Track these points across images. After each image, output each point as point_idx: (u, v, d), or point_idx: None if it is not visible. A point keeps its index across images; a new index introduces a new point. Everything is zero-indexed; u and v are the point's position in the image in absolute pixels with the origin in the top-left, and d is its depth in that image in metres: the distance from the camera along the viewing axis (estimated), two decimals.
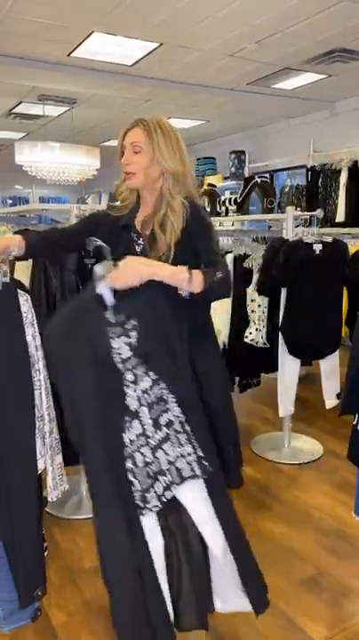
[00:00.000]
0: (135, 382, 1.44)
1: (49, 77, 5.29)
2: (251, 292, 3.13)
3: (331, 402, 3.17)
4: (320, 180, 5.79)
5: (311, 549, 2.32)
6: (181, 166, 1.62)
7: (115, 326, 1.42)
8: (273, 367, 3.15)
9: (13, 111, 6.76)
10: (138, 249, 1.64)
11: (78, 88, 5.76)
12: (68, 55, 4.73)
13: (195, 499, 1.48)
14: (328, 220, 5.50)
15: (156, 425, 1.44)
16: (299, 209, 5.19)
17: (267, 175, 7.19)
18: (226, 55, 4.78)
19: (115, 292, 1.42)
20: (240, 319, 3.16)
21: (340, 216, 5.44)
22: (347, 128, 6.29)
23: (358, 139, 5.86)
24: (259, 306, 3.11)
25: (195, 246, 1.58)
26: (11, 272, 3.10)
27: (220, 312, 3.20)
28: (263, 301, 3.11)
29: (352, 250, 3.26)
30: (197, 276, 1.46)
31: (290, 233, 3.08)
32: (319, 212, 3.39)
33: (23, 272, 2.76)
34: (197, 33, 4.25)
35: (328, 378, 3.16)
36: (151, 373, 1.45)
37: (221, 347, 3.22)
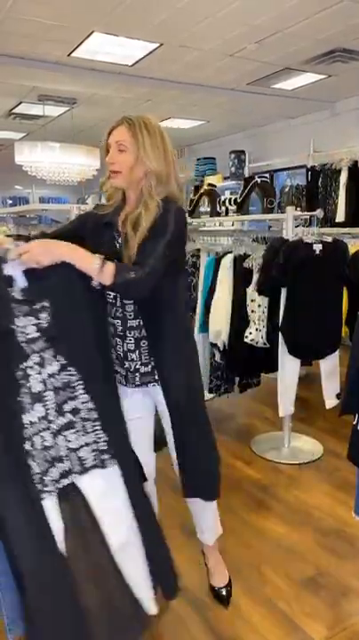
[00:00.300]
0: (42, 365, 1.40)
1: (49, 77, 5.29)
2: (251, 291, 3.13)
3: (330, 402, 3.17)
4: (320, 179, 5.79)
5: (311, 549, 2.32)
6: (165, 167, 1.61)
7: (21, 304, 1.37)
8: (273, 367, 3.15)
9: (13, 111, 6.76)
10: (117, 247, 1.63)
11: (78, 88, 5.76)
12: (68, 55, 4.73)
13: (98, 488, 1.45)
14: (328, 220, 5.50)
15: (60, 410, 1.42)
16: (299, 209, 5.19)
17: (267, 175, 7.19)
18: (226, 55, 4.78)
19: (29, 275, 1.39)
20: (240, 319, 3.16)
21: (340, 216, 5.44)
22: (347, 128, 6.29)
23: (358, 139, 5.86)
24: (259, 306, 3.11)
25: None
26: None
27: (220, 312, 3.20)
28: (263, 301, 3.11)
29: (352, 250, 3.26)
30: (109, 267, 1.43)
31: (290, 233, 3.08)
32: (319, 212, 3.39)
33: None
34: (197, 33, 4.25)
35: (328, 378, 3.16)
36: (60, 358, 1.42)
37: (221, 347, 3.23)
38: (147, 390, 1.75)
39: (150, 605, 1.54)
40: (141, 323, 1.65)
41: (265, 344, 3.11)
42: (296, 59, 4.89)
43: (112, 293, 1.63)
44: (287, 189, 6.51)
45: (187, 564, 2.16)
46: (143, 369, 1.70)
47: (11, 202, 11.33)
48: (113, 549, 1.46)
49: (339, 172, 5.54)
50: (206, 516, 1.94)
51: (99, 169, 6.98)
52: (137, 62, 4.92)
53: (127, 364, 1.69)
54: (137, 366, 1.69)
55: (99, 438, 1.46)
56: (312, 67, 5.11)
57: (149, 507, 1.56)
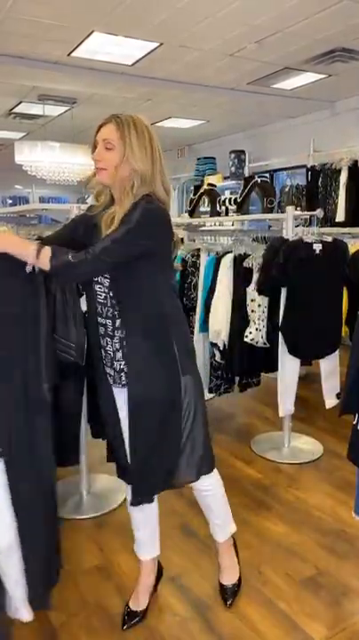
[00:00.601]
0: None
1: (49, 77, 5.29)
2: (251, 291, 3.13)
3: (330, 402, 3.17)
4: (320, 179, 5.79)
5: (311, 549, 2.32)
6: (151, 167, 1.59)
7: None
8: (273, 367, 3.15)
9: (13, 111, 6.76)
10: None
11: (78, 88, 5.76)
12: (68, 55, 4.73)
13: None
14: (328, 220, 5.50)
15: None
16: (298, 209, 5.19)
17: (267, 175, 7.20)
18: (226, 55, 4.78)
19: None
20: (240, 319, 3.15)
21: (340, 216, 5.44)
22: (347, 128, 6.29)
23: (358, 138, 5.86)
24: (259, 306, 3.11)
25: None
26: None
27: (220, 312, 3.20)
28: (263, 301, 3.11)
29: (352, 250, 3.26)
30: (45, 251, 1.47)
31: (290, 233, 3.08)
32: (319, 212, 3.39)
33: None
34: (197, 33, 4.25)
35: (328, 378, 3.16)
36: None
37: (221, 346, 3.23)
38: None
39: (23, 614, 1.55)
40: (122, 323, 1.66)
41: (265, 344, 3.11)
42: (296, 58, 4.89)
43: (103, 293, 1.63)
44: (287, 189, 6.52)
45: (187, 564, 2.16)
46: (127, 368, 1.70)
47: (11, 201, 11.34)
48: None
49: (339, 171, 5.54)
50: (214, 514, 1.95)
51: None
52: (137, 62, 4.92)
53: (115, 364, 1.70)
54: (122, 366, 1.69)
55: None
56: (312, 66, 5.11)
57: (37, 516, 1.54)
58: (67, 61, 4.90)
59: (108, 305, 1.66)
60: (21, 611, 1.57)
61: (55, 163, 6.43)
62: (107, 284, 1.64)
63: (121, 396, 1.73)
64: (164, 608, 1.93)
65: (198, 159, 8.22)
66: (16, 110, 6.72)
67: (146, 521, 1.89)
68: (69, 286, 2.27)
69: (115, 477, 2.91)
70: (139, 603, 1.91)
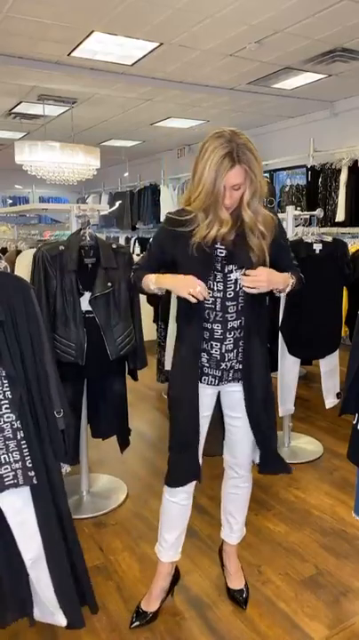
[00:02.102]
0: None
1: (49, 77, 5.30)
2: None
3: (330, 401, 3.17)
4: (320, 179, 5.79)
5: (311, 549, 2.32)
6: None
7: None
8: (273, 367, 3.14)
9: (13, 111, 6.76)
10: (222, 253, 1.67)
11: (78, 88, 5.76)
12: (68, 55, 4.73)
13: (15, 506, 1.49)
14: (328, 220, 5.51)
15: None
16: (299, 208, 5.19)
17: (267, 175, 7.20)
18: (226, 55, 4.78)
19: None
20: None
21: (340, 215, 5.44)
22: (347, 127, 6.29)
23: (358, 138, 5.86)
24: None
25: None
26: (12, 272, 3.10)
27: None
28: None
29: (352, 249, 3.26)
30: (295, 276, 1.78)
31: (290, 232, 3.08)
32: (319, 212, 3.38)
33: (23, 272, 2.76)
34: (197, 33, 4.25)
35: (328, 377, 3.16)
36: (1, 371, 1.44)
37: None
38: (224, 387, 1.79)
39: (59, 619, 1.61)
40: (242, 323, 1.71)
41: None
42: (295, 58, 4.89)
43: (211, 298, 1.68)
44: (287, 189, 6.52)
45: (187, 564, 2.16)
46: (237, 366, 1.75)
47: (11, 201, 11.33)
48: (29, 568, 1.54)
49: (338, 171, 5.55)
50: (240, 512, 2.01)
51: (99, 168, 6.98)
52: (137, 62, 4.92)
53: (224, 365, 1.74)
54: (233, 364, 1.75)
55: (22, 458, 1.47)
56: (311, 66, 5.11)
57: (60, 530, 1.58)
58: (67, 61, 4.90)
59: (217, 309, 1.72)
60: (57, 616, 1.61)
61: (55, 163, 6.43)
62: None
63: (209, 392, 1.80)
64: (165, 608, 1.94)
65: None
66: (16, 110, 6.72)
67: (180, 520, 1.90)
68: (69, 286, 2.28)
69: (115, 477, 2.94)
70: (150, 604, 1.91)
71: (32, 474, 1.47)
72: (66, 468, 1.68)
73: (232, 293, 1.69)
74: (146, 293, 1.82)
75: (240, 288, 1.66)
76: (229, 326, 1.70)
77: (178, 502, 1.84)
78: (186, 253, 1.63)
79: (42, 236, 4.32)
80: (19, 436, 1.47)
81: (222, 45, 4.54)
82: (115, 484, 2.89)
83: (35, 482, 1.48)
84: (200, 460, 1.80)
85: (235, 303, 1.69)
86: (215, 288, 1.68)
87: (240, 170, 1.54)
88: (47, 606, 1.60)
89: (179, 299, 1.70)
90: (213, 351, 1.72)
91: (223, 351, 1.72)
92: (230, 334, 1.71)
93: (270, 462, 1.91)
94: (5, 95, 6.06)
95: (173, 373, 1.81)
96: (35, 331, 1.50)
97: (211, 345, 1.72)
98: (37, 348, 1.51)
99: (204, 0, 3.67)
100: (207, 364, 1.74)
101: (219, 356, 1.73)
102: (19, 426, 1.47)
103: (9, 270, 1.61)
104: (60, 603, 1.58)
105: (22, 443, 1.47)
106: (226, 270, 1.67)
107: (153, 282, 1.70)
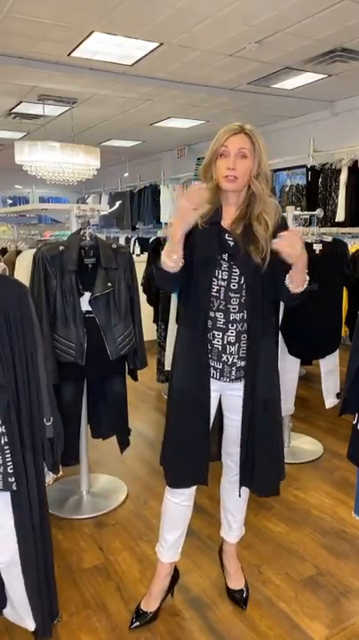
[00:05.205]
0: None
1: (49, 77, 5.30)
2: None
3: (330, 401, 3.17)
4: (320, 179, 5.79)
5: (311, 549, 2.32)
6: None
7: None
8: None
9: (13, 111, 6.76)
10: (231, 244, 1.69)
11: (78, 88, 5.76)
12: (68, 55, 4.73)
13: None
14: (328, 220, 5.50)
15: None
16: (299, 208, 5.18)
17: None
18: (226, 55, 4.78)
19: None
20: None
21: (340, 215, 5.44)
22: (347, 127, 6.29)
23: (358, 138, 5.86)
24: None
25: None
26: (12, 272, 3.10)
27: None
28: None
29: (352, 250, 3.26)
30: None
31: None
32: (319, 212, 3.38)
33: (23, 272, 2.76)
34: (197, 33, 4.25)
35: (328, 377, 3.16)
36: None
37: None
38: (228, 385, 1.77)
39: (28, 623, 1.63)
40: (244, 316, 1.71)
41: None
42: (296, 58, 4.89)
43: (216, 286, 1.69)
44: (287, 189, 6.52)
45: (187, 564, 2.16)
46: (240, 363, 1.73)
47: (11, 201, 11.33)
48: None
49: (339, 171, 5.55)
50: (240, 512, 2.01)
51: (99, 168, 6.98)
52: (137, 62, 4.92)
53: (224, 357, 1.73)
54: (234, 360, 1.73)
55: (1, 464, 1.48)
56: (312, 66, 5.11)
57: (38, 534, 1.59)
58: (67, 61, 4.91)
59: (221, 298, 1.72)
60: (26, 620, 1.63)
61: (55, 163, 6.43)
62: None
63: (214, 388, 1.79)
64: (164, 608, 1.94)
65: (198, 159, 8.20)
66: (16, 110, 6.72)
67: (181, 521, 1.89)
68: (69, 286, 2.28)
69: (115, 477, 2.94)
70: (149, 604, 1.91)
71: (12, 480, 1.47)
72: (50, 478, 1.69)
73: (236, 285, 1.69)
74: (166, 279, 1.71)
75: (244, 282, 1.68)
76: (231, 317, 1.70)
77: (179, 503, 1.84)
78: (195, 237, 1.66)
79: (42, 236, 4.32)
80: (2, 442, 1.46)
81: (222, 45, 4.54)
82: (115, 484, 2.89)
83: (14, 488, 1.48)
84: (207, 461, 1.79)
85: (238, 295, 1.70)
86: (219, 277, 1.69)
87: (245, 137, 1.64)
88: (17, 610, 1.62)
89: (187, 286, 1.72)
90: (215, 341, 1.72)
91: (225, 342, 1.71)
92: (232, 326, 1.70)
93: (257, 482, 1.83)
94: (5, 95, 6.06)
95: (177, 360, 1.79)
96: (29, 336, 1.49)
97: (214, 334, 1.72)
98: (30, 354, 1.50)
99: (204, 0, 3.68)
100: (209, 355, 1.74)
101: (220, 347, 1.72)
102: (4, 431, 1.46)
103: (7, 272, 1.61)
104: (33, 610, 1.60)
105: (5, 448, 1.47)
106: (231, 262, 1.68)
107: (164, 254, 1.66)
